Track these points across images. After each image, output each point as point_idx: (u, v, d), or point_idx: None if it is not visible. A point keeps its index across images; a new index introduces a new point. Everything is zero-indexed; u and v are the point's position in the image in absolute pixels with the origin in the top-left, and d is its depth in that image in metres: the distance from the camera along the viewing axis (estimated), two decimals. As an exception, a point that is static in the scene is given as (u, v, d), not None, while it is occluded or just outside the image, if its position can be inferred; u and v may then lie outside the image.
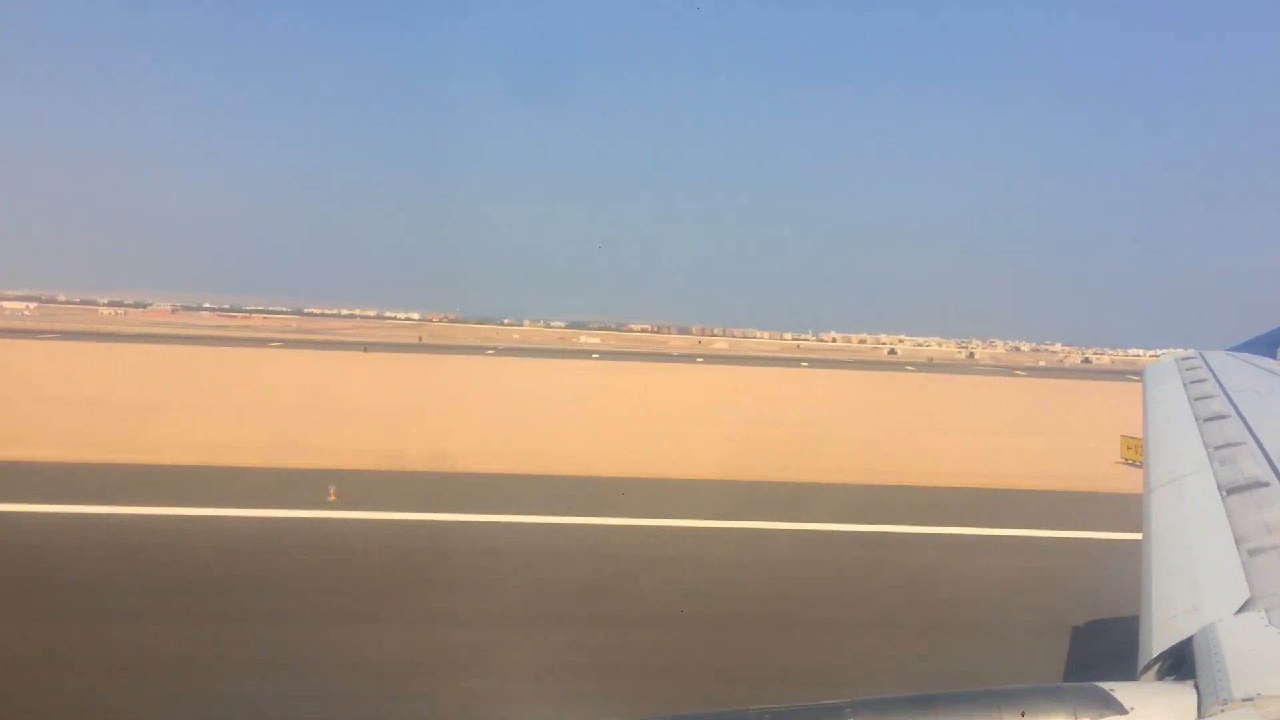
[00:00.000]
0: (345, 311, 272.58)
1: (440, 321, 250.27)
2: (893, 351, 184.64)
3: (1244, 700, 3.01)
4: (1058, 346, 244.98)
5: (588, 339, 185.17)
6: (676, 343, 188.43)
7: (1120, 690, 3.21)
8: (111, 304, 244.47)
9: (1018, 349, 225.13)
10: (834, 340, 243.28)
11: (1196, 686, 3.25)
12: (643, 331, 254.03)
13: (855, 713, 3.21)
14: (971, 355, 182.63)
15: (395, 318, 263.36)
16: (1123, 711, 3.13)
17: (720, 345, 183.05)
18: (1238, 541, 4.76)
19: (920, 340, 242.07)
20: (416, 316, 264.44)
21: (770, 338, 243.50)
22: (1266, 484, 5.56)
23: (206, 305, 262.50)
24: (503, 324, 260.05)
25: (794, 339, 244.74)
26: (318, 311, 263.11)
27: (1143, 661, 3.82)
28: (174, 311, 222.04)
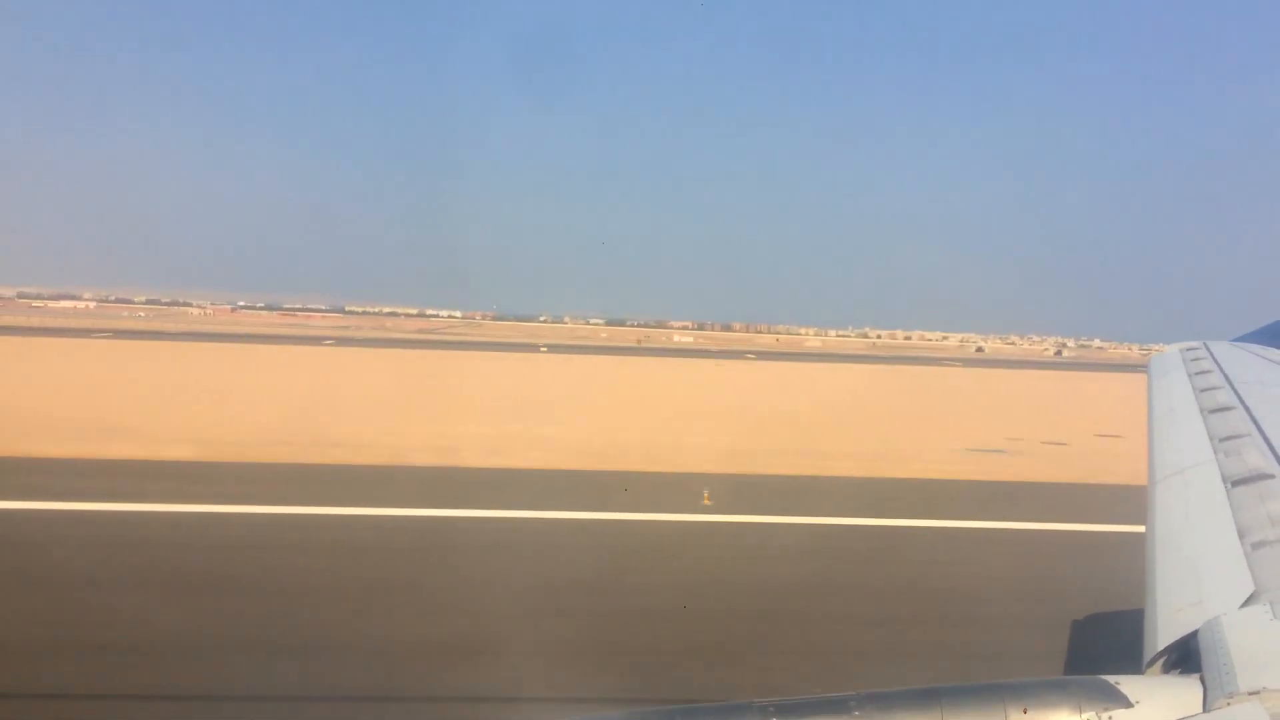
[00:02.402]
0: (387, 309, 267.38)
1: (482, 319, 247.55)
2: (980, 349, 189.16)
3: (1250, 694, 3.02)
4: (1097, 341, 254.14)
5: (680, 337, 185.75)
6: (762, 340, 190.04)
7: (1125, 683, 3.24)
8: (149, 302, 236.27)
9: (1065, 345, 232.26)
10: (879, 336, 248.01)
11: (1202, 680, 3.27)
12: (682, 329, 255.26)
13: (861, 705, 3.20)
14: (1059, 352, 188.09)
15: (438, 315, 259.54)
16: (1128, 705, 3.15)
17: (813, 344, 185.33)
18: (1241, 535, 4.72)
19: (962, 336, 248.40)
20: (459, 314, 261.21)
21: (816, 333, 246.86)
22: (1271, 476, 5.51)
23: (241, 303, 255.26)
24: (541, 321, 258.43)
25: (838, 334, 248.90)
26: (359, 310, 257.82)
27: (1148, 655, 3.85)
28: (233, 310, 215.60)
